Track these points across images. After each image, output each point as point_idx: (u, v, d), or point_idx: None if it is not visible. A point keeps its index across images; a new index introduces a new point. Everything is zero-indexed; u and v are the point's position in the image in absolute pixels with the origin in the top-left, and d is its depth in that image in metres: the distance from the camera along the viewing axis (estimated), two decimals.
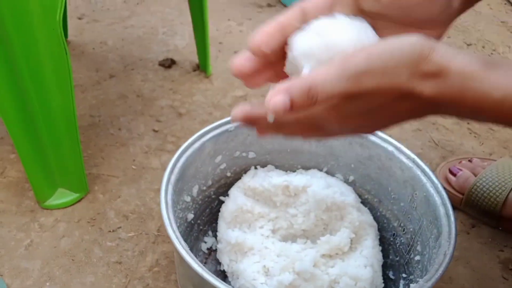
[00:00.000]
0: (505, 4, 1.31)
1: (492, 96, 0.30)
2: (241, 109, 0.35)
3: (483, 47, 1.12)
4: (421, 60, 0.30)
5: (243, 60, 0.36)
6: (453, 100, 0.31)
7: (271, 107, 0.30)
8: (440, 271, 0.44)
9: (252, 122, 0.36)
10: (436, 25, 0.37)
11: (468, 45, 1.13)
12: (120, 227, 0.67)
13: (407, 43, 0.30)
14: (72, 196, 0.69)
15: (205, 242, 0.63)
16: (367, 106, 0.32)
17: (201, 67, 0.98)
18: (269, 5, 1.27)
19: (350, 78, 0.30)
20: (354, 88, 0.30)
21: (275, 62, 0.37)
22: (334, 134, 0.37)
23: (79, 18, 1.11)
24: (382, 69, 0.30)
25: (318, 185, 0.60)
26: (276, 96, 0.30)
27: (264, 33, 0.36)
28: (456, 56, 0.30)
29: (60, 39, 0.55)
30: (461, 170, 0.72)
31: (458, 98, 0.30)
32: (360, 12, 0.36)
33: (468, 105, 0.30)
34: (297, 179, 0.61)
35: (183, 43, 1.06)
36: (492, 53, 1.10)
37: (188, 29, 1.08)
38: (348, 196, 0.60)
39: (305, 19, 0.36)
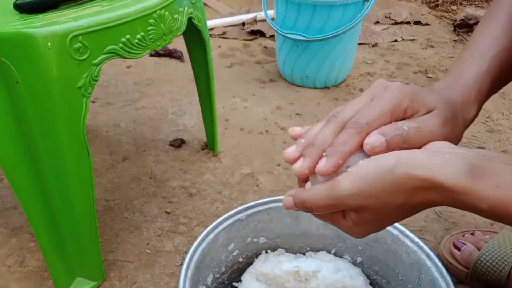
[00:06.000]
0: None
1: (480, 207, 0.34)
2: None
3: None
4: (401, 182, 0.34)
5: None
6: (444, 204, 0.35)
7: (283, 205, 0.41)
8: None
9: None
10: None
11: None
12: None
13: (384, 169, 0.35)
14: (90, 284, 0.71)
15: None
16: (365, 218, 0.38)
17: (209, 146, 1.03)
18: (271, 81, 1.34)
19: (337, 198, 0.37)
20: (341, 206, 0.37)
21: None
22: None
23: (93, 102, 1.18)
24: (367, 193, 0.35)
25: (327, 270, 0.62)
26: (286, 198, 0.40)
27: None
28: (440, 168, 0.33)
29: (83, 142, 0.59)
30: (464, 244, 0.74)
31: (449, 204, 0.35)
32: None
33: (459, 208, 0.35)
34: (307, 264, 0.63)
35: (191, 122, 1.12)
36: (486, 120, 1.15)
37: (196, 108, 1.14)
38: (357, 279, 0.62)
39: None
